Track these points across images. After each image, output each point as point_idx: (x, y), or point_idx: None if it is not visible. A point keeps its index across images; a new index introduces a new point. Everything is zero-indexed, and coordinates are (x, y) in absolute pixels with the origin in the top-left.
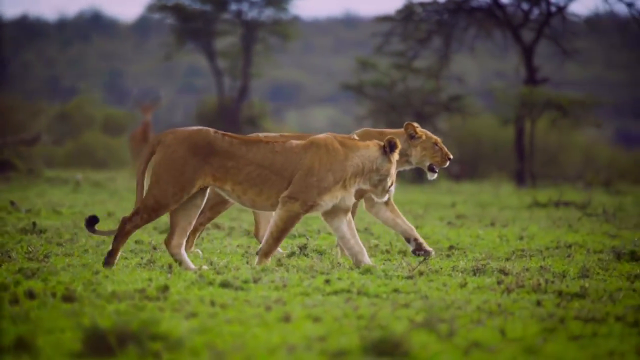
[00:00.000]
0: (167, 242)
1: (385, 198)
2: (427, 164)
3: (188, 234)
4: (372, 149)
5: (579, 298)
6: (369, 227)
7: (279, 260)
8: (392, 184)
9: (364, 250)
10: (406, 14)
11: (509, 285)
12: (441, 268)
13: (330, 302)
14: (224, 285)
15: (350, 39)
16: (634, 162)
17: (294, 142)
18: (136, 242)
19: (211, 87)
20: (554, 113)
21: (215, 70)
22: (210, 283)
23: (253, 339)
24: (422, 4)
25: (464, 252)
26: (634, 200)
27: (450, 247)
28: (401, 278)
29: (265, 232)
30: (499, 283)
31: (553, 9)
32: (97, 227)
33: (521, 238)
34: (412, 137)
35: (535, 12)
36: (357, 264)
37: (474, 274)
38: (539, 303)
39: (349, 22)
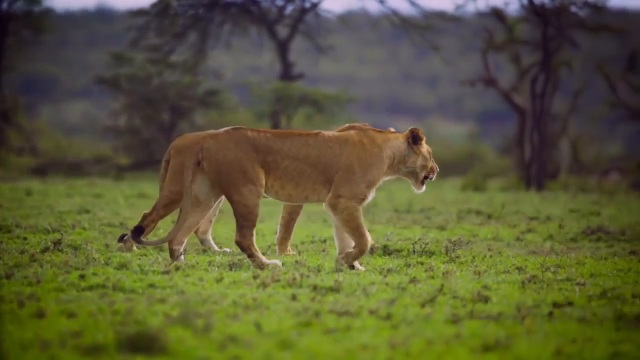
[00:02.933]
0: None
1: (422, 190)
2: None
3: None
4: (400, 140)
5: (334, 292)
6: (124, 221)
7: (32, 255)
8: (426, 177)
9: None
10: (161, 8)
11: (265, 279)
12: (197, 263)
13: (85, 297)
14: None
15: (105, 33)
16: None
17: (326, 134)
18: None
19: None
20: (309, 108)
21: None
22: None
23: (6, 336)
24: None
25: (220, 247)
26: (387, 195)
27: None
28: (157, 273)
29: (346, 240)
30: (254, 277)
31: (307, 5)
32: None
33: (277, 232)
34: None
35: (290, 8)
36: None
37: (230, 269)
38: (294, 297)
39: (103, 15)
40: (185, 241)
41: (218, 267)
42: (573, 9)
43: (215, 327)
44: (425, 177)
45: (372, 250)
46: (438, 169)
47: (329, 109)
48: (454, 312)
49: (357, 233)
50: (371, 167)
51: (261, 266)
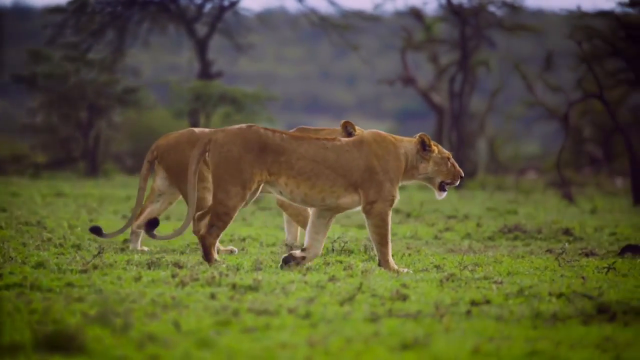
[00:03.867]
0: (199, 218)
1: (442, 196)
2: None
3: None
4: (412, 144)
5: (253, 291)
6: (42, 220)
7: None
8: (445, 182)
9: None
10: (78, 5)
11: (184, 278)
12: (116, 262)
13: (2, 296)
14: None
15: (21, 30)
16: None
17: (342, 139)
18: None
19: None
20: (228, 107)
21: None
22: None
23: None
24: None
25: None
26: None
27: (125, 241)
28: (75, 272)
29: (374, 245)
30: (173, 276)
31: (226, 3)
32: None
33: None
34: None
35: (209, 6)
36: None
37: (149, 268)
38: (213, 296)
39: (20, 13)
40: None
41: (136, 265)
42: (491, 8)
43: (133, 326)
44: (444, 183)
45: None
46: (462, 174)
47: (249, 108)
48: (373, 310)
49: (384, 241)
50: (389, 163)
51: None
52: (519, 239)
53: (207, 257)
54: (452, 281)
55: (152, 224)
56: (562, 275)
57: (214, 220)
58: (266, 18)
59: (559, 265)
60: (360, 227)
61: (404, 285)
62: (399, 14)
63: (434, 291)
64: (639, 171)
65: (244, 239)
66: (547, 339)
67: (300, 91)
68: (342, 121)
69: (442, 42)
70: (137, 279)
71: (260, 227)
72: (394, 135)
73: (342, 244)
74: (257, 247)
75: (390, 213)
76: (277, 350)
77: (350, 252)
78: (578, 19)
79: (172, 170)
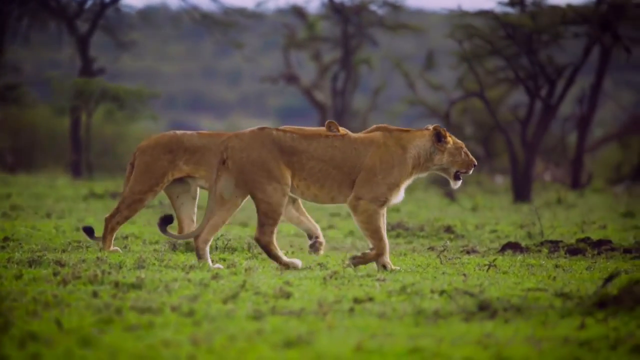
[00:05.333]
0: (196, 237)
1: (457, 185)
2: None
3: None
4: (425, 138)
5: (135, 289)
6: None
7: None
8: (460, 172)
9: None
10: None
11: (66, 276)
12: None
13: None
14: None
15: None
16: None
17: (352, 136)
18: None
19: None
20: (110, 104)
21: None
22: None
23: None
24: None
25: (20, 244)
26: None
27: (6, 239)
28: None
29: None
30: (55, 274)
31: (107, 0)
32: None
33: (77, 229)
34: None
35: (90, 3)
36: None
37: (30, 266)
38: (95, 294)
39: None
40: (211, 240)
41: (17, 264)
42: (372, 7)
43: (14, 325)
44: (459, 172)
45: (175, 247)
46: (475, 163)
47: (131, 105)
48: (256, 308)
49: (376, 236)
50: (393, 169)
51: (281, 264)
52: (402, 236)
53: (270, 255)
54: (335, 279)
55: (165, 221)
56: (443, 273)
57: (263, 220)
58: (148, 15)
59: (441, 263)
60: (243, 225)
61: (288, 283)
62: (281, 12)
63: (317, 289)
64: (518, 169)
65: (126, 237)
66: (429, 336)
67: (183, 89)
68: (327, 121)
69: (325, 40)
70: (18, 277)
71: (144, 224)
72: (404, 133)
73: (226, 242)
74: (140, 245)
75: (381, 212)
76: (161, 348)
77: (234, 250)
78: (459, 18)
79: (137, 168)
